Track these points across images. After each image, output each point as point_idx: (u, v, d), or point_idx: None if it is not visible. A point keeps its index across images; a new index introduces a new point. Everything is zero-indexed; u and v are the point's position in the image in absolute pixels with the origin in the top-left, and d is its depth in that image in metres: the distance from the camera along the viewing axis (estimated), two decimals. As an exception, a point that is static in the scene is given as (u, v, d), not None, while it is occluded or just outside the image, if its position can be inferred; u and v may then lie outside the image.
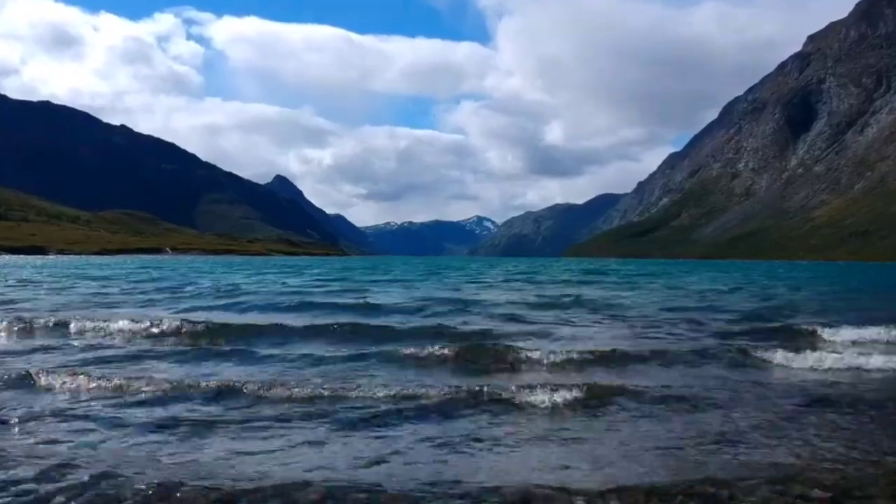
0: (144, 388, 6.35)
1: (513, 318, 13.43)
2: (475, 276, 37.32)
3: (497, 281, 31.73)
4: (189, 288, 22.70)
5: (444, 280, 31.96)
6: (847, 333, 10.86)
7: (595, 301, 17.85)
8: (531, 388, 6.28)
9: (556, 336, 10.81)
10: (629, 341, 10.30)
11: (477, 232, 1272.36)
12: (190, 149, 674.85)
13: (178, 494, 3.69)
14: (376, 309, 15.14)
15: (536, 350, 8.50)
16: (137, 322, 10.74)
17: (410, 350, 8.64)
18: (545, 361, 8.08)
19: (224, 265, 61.34)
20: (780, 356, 8.55)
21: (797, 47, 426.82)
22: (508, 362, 8.21)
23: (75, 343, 9.28)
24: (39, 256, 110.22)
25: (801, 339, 10.57)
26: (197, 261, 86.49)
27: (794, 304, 18.81)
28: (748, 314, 14.74)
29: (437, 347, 8.71)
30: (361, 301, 16.94)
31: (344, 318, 12.51)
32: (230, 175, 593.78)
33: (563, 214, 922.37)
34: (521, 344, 9.11)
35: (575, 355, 8.33)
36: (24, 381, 6.58)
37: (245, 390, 6.31)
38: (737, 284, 30.84)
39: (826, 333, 10.93)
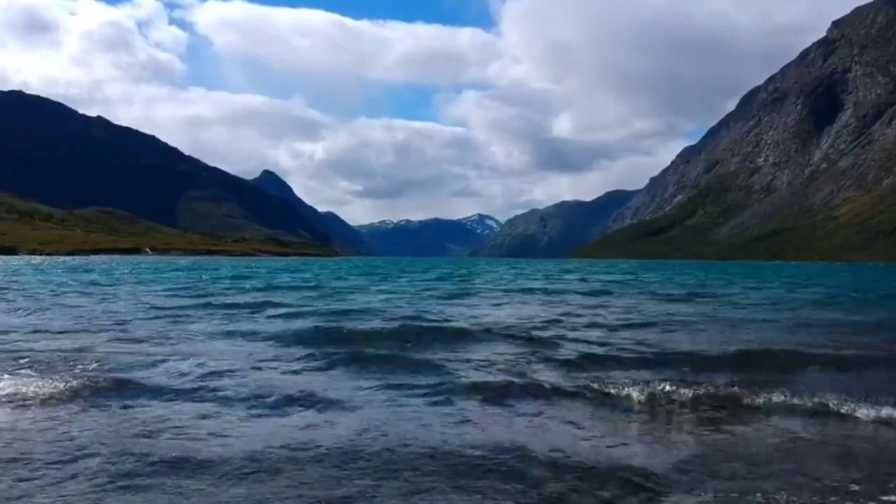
0: None
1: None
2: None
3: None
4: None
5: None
6: None
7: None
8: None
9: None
10: None
11: (479, 231, 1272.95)
12: (172, 142, 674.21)
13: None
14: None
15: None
16: None
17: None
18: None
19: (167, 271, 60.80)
20: None
21: (821, 33, 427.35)
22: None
23: None
24: (8, 257, 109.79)
25: None
26: (155, 263, 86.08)
27: None
28: None
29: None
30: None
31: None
32: (215, 170, 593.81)
33: (571, 212, 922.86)
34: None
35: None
36: None
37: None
38: None
39: None
